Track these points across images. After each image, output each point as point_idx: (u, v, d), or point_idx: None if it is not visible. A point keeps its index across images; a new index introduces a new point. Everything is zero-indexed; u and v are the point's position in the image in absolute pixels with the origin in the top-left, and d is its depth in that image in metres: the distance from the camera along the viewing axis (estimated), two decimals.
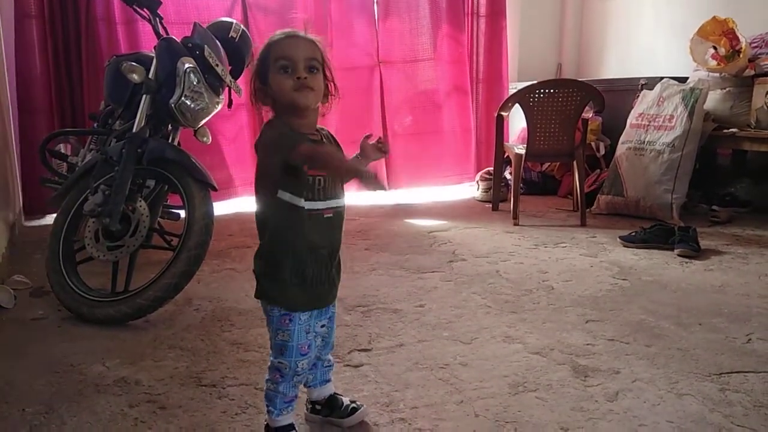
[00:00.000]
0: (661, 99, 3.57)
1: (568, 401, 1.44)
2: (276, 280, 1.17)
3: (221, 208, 3.42)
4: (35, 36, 3.56)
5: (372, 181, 1.06)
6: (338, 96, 1.24)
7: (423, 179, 4.64)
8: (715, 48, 3.53)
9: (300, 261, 1.16)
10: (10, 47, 3.51)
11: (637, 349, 1.74)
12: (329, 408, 1.34)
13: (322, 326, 1.26)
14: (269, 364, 1.24)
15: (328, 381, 1.36)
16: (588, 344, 1.78)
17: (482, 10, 4.79)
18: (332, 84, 1.22)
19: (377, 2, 4.42)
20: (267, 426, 1.26)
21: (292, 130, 1.14)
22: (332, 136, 1.26)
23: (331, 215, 1.18)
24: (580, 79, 4.12)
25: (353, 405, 1.34)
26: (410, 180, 4.59)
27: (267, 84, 1.16)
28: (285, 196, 1.14)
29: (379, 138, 1.29)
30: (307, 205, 1.14)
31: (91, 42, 3.63)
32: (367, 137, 1.28)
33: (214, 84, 2.30)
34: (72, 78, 3.67)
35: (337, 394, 1.37)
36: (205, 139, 2.48)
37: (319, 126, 1.23)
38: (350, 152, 1.27)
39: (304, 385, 1.34)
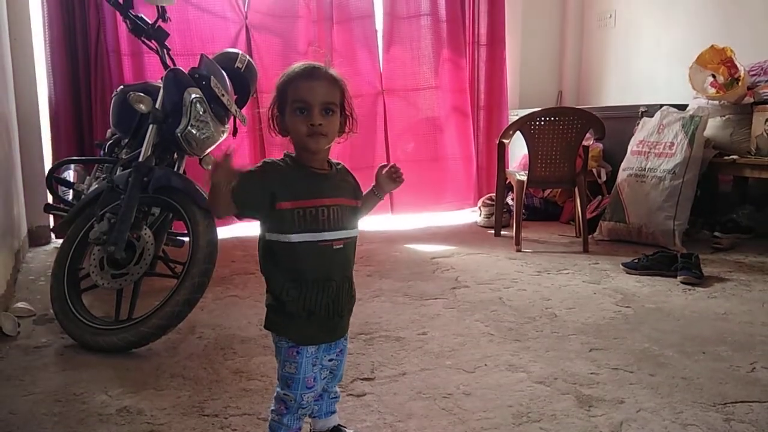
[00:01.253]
0: (661, 126, 3.60)
1: None
2: (284, 313, 1.18)
3: (221, 233, 3.44)
4: (63, 66, 3.68)
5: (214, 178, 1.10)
6: (356, 130, 1.24)
7: (424, 205, 4.69)
8: (714, 76, 3.58)
9: (307, 293, 1.16)
10: (23, 73, 3.60)
11: (641, 378, 1.73)
12: None
13: (330, 360, 1.25)
14: (275, 394, 1.23)
15: (334, 412, 1.36)
16: (592, 373, 1.77)
17: (482, 39, 4.90)
18: (351, 119, 1.22)
19: (381, 31, 4.51)
20: None
21: (299, 163, 1.18)
22: (347, 170, 1.27)
23: (338, 247, 1.18)
24: (580, 107, 4.17)
25: None
26: (412, 206, 4.62)
27: (283, 117, 1.18)
28: (272, 236, 1.17)
29: (392, 166, 1.29)
30: (294, 237, 1.14)
31: (99, 72, 3.71)
32: (382, 167, 1.29)
33: (220, 113, 2.33)
34: (81, 107, 3.74)
35: (342, 425, 1.36)
36: (210, 167, 2.51)
37: (334, 161, 1.24)
38: (359, 178, 1.29)
39: (309, 416, 1.33)
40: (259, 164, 1.18)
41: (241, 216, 1.17)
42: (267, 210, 1.15)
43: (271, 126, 1.21)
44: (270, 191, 1.14)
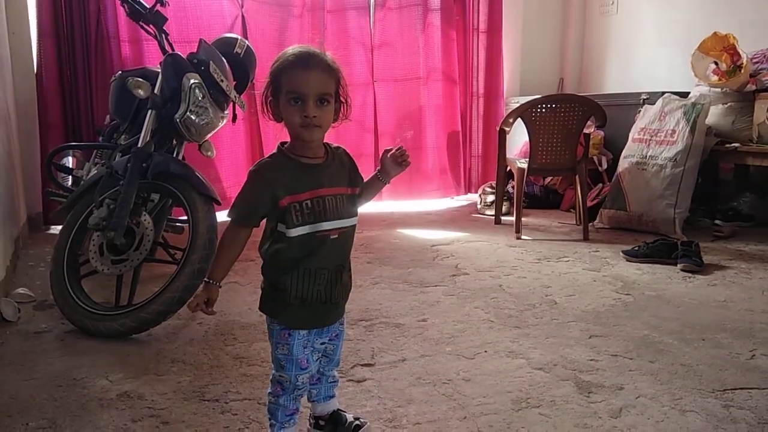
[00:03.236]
0: (662, 114, 3.58)
1: (572, 418, 1.44)
2: (277, 298, 1.18)
3: (221, 219, 3.44)
4: (52, 53, 3.64)
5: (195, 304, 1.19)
6: (350, 117, 1.23)
7: (407, 193, 4.77)
8: (716, 63, 3.55)
9: (299, 282, 1.16)
10: (21, 64, 3.58)
11: (641, 365, 1.74)
12: (333, 424, 1.34)
13: (322, 343, 1.25)
14: (271, 377, 1.24)
15: (332, 397, 1.36)
16: (591, 360, 1.77)
17: (481, 27, 4.92)
18: (345, 106, 1.21)
19: (373, 22, 4.54)
20: None
21: (294, 155, 1.17)
22: (346, 154, 1.26)
23: (334, 236, 1.18)
24: (581, 94, 4.15)
25: (357, 422, 1.34)
26: (393, 193, 4.68)
27: (277, 103, 1.16)
28: (273, 224, 1.17)
29: (398, 149, 1.25)
30: (293, 231, 1.14)
31: (99, 59, 3.70)
32: (387, 151, 1.26)
33: (219, 99, 2.32)
34: (79, 93, 3.73)
35: (341, 410, 1.37)
36: (209, 153, 2.50)
37: (334, 145, 1.23)
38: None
39: (308, 400, 1.34)
40: (255, 170, 1.17)
41: (257, 226, 1.19)
42: (271, 209, 1.15)
43: (265, 111, 1.19)
44: (271, 192, 1.13)
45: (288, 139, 1.20)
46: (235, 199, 1.18)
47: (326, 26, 4.37)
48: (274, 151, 1.20)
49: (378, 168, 1.27)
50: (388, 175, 1.26)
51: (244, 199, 1.17)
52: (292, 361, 1.18)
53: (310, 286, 1.17)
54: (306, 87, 1.11)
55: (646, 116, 3.70)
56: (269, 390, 1.24)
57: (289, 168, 1.16)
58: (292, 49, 1.16)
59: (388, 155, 1.25)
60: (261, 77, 2.77)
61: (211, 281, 1.20)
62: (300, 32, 4.28)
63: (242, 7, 4.07)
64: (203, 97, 2.22)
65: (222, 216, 2.09)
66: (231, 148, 4.10)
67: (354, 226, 1.23)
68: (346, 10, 4.43)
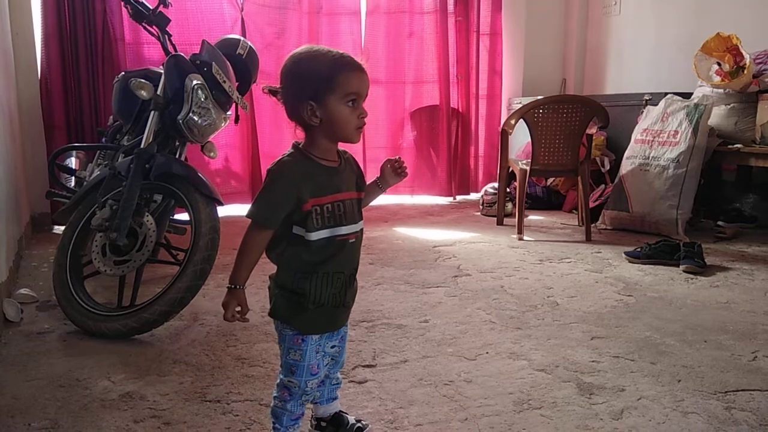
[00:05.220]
0: (665, 115, 3.58)
1: (573, 419, 1.44)
2: (291, 303, 1.17)
3: (223, 220, 3.45)
4: (56, 55, 3.66)
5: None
6: None
7: (412, 193, 4.89)
8: (719, 64, 3.55)
9: (317, 286, 1.16)
10: (25, 65, 3.59)
11: (643, 367, 1.73)
12: (334, 425, 1.34)
13: (333, 347, 1.26)
14: (278, 381, 1.24)
15: (335, 398, 1.36)
16: (593, 361, 1.77)
17: (482, 29, 4.97)
18: None
19: (365, 24, 4.63)
20: None
21: (313, 156, 1.15)
22: (353, 159, 1.26)
23: (352, 240, 1.19)
24: (584, 95, 4.15)
25: (359, 425, 1.34)
26: (401, 193, 4.80)
27: (321, 105, 1.11)
28: (298, 230, 1.16)
29: (397, 160, 1.28)
30: (314, 235, 1.14)
31: (106, 60, 3.72)
32: (388, 161, 1.28)
33: (222, 100, 2.32)
34: (84, 94, 3.74)
35: (343, 412, 1.37)
36: (212, 154, 2.51)
37: (341, 149, 1.23)
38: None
39: (311, 402, 1.34)
40: (277, 169, 1.14)
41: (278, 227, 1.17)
42: (293, 211, 1.13)
43: (295, 115, 1.14)
44: (297, 194, 1.12)
45: (301, 142, 1.18)
46: (256, 199, 1.14)
47: (322, 27, 4.45)
48: (292, 150, 1.17)
49: (378, 176, 1.29)
50: (387, 183, 1.29)
51: (268, 199, 1.13)
52: (304, 367, 1.18)
53: (327, 291, 1.17)
54: (363, 88, 1.13)
55: (648, 117, 3.69)
56: (275, 394, 1.24)
57: (313, 170, 1.15)
58: (325, 49, 1.14)
59: (388, 165, 1.27)
60: (259, 80, 2.79)
61: (235, 286, 1.16)
62: (299, 35, 4.32)
63: (242, 10, 4.11)
64: (206, 98, 2.22)
65: (224, 218, 2.10)
66: (224, 150, 4.13)
67: (363, 229, 1.24)
68: (340, 14, 4.52)
